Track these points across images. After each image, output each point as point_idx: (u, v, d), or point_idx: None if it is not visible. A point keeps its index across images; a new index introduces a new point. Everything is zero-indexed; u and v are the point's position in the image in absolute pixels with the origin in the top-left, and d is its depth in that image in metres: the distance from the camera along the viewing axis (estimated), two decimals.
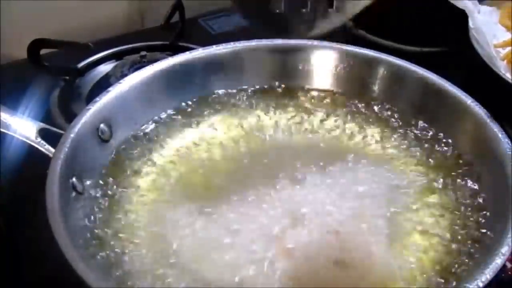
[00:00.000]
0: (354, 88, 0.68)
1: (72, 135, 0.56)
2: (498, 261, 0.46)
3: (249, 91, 0.69)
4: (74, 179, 0.55)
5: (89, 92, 0.83)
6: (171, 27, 0.93)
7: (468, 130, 0.60)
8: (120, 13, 1.01)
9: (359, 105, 0.67)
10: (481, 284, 0.44)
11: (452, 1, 0.83)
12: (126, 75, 0.70)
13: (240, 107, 0.67)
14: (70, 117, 0.74)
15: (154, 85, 0.65)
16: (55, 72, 0.85)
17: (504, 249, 0.47)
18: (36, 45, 0.79)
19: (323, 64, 0.69)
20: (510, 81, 0.75)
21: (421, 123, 0.64)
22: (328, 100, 0.68)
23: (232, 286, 0.49)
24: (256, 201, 0.56)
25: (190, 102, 0.67)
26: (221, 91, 0.68)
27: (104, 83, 0.79)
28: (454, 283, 0.49)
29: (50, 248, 0.47)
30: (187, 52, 0.68)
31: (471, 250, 0.52)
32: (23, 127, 0.59)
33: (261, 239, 0.52)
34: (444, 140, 0.62)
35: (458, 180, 0.58)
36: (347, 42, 0.70)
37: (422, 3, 0.90)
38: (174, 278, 0.50)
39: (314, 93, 0.69)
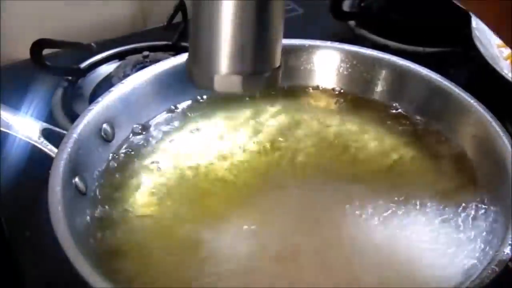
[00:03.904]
0: (357, 88, 0.68)
1: (74, 135, 0.56)
2: (501, 260, 0.46)
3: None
4: (76, 179, 0.55)
5: (92, 92, 0.83)
6: (173, 27, 0.93)
7: (471, 130, 0.60)
8: (122, 14, 1.01)
9: (362, 105, 0.67)
10: (483, 284, 0.44)
11: (455, 1, 0.83)
12: (128, 75, 0.70)
13: (243, 107, 0.67)
14: (73, 117, 0.74)
15: (156, 85, 0.65)
16: (57, 72, 0.85)
17: (507, 249, 0.46)
18: (38, 45, 0.79)
19: (326, 64, 0.69)
20: None
21: (424, 123, 0.64)
22: (331, 100, 0.68)
23: None
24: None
25: (193, 103, 0.67)
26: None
27: (107, 83, 0.79)
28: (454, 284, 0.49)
29: (52, 248, 0.47)
30: None
31: None
32: (26, 127, 0.59)
33: None
34: (446, 140, 0.62)
35: (460, 180, 0.58)
36: (350, 42, 0.70)
37: (425, 3, 0.90)
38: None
39: (317, 93, 0.69)
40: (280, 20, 0.44)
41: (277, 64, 0.46)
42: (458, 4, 0.45)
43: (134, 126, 0.64)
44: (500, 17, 0.43)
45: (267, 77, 0.45)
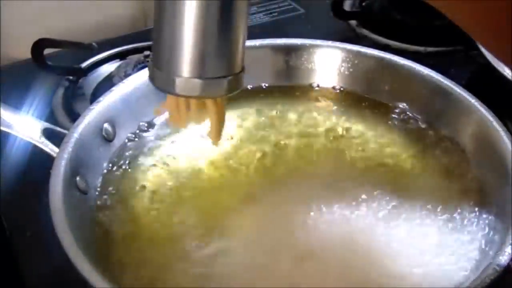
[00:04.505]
0: (358, 87, 0.68)
1: (75, 135, 0.56)
2: (502, 260, 0.46)
3: (253, 91, 0.69)
4: (78, 178, 0.55)
5: (93, 91, 0.82)
6: None
7: (472, 130, 0.60)
8: (123, 13, 1.01)
9: (363, 105, 0.67)
10: (484, 284, 0.44)
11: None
12: (129, 74, 0.70)
13: (244, 106, 0.67)
14: (74, 116, 0.74)
15: None
16: (58, 72, 0.85)
17: (507, 249, 0.46)
18: (39, 45, 0.79)
19: (327, 64, 0.69)
20: None
21: (424, 123, 0.64)
22: (331, 99, 0.68)
23: None
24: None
25: None
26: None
27: (108, 83, 0.79)
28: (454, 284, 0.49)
29: (52, 248, 0.47)
30: None
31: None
32: (27, 126, 0.59)
33: None
34: (447, 140, 0.62)
35: (460, 180, 0.58)
36: (351, 41, 0.70)
37: (427, 2, 0.89)
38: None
39: (318, 93, 0.69)
40: (243, 25, 0.45)
41: (239, 68, 0.46)
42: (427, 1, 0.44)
43: (141, 123, 0.64)
44: (472, 18, 0.43)
45: (228, 81, 0.45)
